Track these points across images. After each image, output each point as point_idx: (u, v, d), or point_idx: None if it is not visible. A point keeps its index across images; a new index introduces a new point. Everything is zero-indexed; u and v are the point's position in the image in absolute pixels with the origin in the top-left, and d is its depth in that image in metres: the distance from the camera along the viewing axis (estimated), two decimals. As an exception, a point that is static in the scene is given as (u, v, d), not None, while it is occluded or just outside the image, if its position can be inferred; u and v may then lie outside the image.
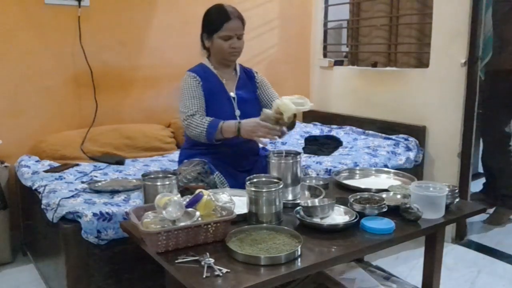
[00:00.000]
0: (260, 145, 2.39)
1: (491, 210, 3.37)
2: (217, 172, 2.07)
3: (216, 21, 2.17)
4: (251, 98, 2.32)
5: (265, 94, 2.36)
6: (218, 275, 1.29)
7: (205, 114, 2.16)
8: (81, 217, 1.84)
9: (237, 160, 2.18)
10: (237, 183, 2.05)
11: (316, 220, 1.63)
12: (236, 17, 2.17)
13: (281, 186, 1.65)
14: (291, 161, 1.85)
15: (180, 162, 2.27)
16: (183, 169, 2.03)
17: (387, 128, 3.21)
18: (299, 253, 1.40)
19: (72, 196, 2.03)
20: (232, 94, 2.25)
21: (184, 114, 2.12)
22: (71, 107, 2.94)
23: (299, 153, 1.90)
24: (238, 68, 2.33)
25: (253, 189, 1.62)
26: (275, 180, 1.71)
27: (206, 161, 2.09)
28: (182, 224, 1.43)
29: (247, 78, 2.36)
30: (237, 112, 2.22)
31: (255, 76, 2.38)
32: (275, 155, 1.89)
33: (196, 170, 2.03)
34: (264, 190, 1.61)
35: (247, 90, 2.32)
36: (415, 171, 2.92)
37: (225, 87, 2.25)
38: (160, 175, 1.81)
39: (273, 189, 1.61)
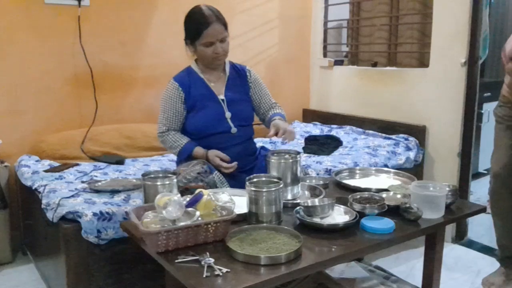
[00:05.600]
0: (258, 145, 2.40)
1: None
2: (216, 172, 2.07)
3: (195, 29, 2.10)
4: (243, 99, 2.27)
5: (257, 95, 2.31)
6: (218, 275, 1.29)
7: (183, 124, 2.21)
8: (81, 217, 1.84)
9: (235, 161, 2.17)
10: (237, 183, 2.05)
11: (316, 220, 1.63)
12: (215, 21, 2.08)
13: (281, 186, 1.65)
14: (290, 160, 1.85)
15: (178, 162, 2.27)
16: (182, 169, 2.03)
17: (387, 128, 3.21)
18: (299, 253, 1.40)
19: (72, 196, 2.03)
20: (221, 96, 2.21)
21: (158, 130, 2.22)
22: (71, 107, 2.94)
23: (298, 153, 1.90)
24: (227, 68, 2.27)
25: (253, 189, 1.62)
26: (275, 180, 1.71)
27: (205, 161, 2.09)
28: (182, 223, 1.44)
29: (238, 77, 2.29)
30: (228, 114, 2.19)
31: (248, 75, 2.31)
32: (275, 154, 1.89)
33: (196, 170, 2.02)
34: (264, 190, 1.61)
35: (238, 90, 2.26)
36: (415, 170, 2.92)
37: (213, 90, 2.21)
38: (160, 175, 1.82)
39: (273, 189, 1.61)
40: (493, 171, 2.37)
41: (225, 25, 2.13)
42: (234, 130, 2.19)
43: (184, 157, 2.15)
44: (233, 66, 2.31)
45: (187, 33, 2.16)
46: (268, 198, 1.61)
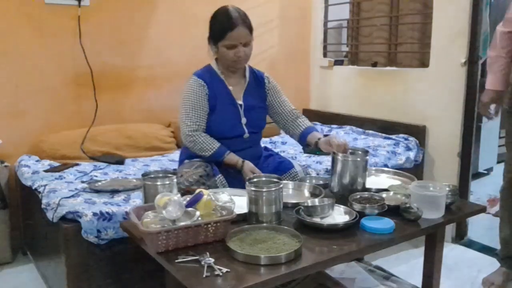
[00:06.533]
0: (262, 144, 2.38)
1: (491, 209, 3.37)
2: (219, 175, 2.06)
3: (219, 30, 2.06)
4: (259, 106, 2.24)
5: (276, 102, 2.26)
6: (218, 275, 1.29)
7: (206, 124, 2.13)
8: (81, 217, 1.84)
9: None
10: (240, 185, 2.03)
11: (316, 219, 1.63)
12: (241, 24, 2.04)
13: (281, 186, 1.65)
14: (358, 159, 1.86)
15: (181, 161, 2.26)
16: (185, 171, 2.01)
17: (387, 127, 3.21)
18: (299, 252, 1.40)
19: (72, 196, 2.03)
20: (239, 101, 2.17)
21: (187, 127, 2.10)
22: (71, 107, 2.94)
23: (367, 152, 1.91)
24: (247, 74, 2.23)
25: (253, 189, 1.62)
26: (275, 180, 1.71)
27: (208, 163, 2.07)
28: (182, 223, 1.44)
29: (256, 84, 2.25)
30: (243, 120, 2.16)
31: (266, 82, 2.27)
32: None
33: (198, 172, 2.01)
34: (264, 190, 1.61)
35: (256, 97, 2.23)
36: (415, 170, 2.92)
37: (232, 93, 2.17)
38: (160, 175, 1.81)
39: (273, 189, 1.61)
40: (508, 168, 2.33)
41: (250, 29, 2.09)
42: (246, 135, 2.17)
43: (214, 159, 2.10)
44: (252, 71, 2.27)
45: (211, 33, 2.12)
46: (268, 198, 1.61)
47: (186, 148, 2.27)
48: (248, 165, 2.07)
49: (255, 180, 1.71)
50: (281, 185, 1.65)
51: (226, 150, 2.10)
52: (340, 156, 1.87)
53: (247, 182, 1.66)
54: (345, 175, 1.87)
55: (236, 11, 2.07)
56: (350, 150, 1.91)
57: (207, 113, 2.14)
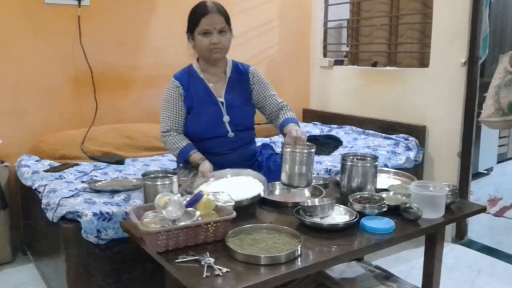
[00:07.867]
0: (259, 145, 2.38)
1: (491, 209, 3.37)
2: None
3: (194, 17, 2.05)
4: (243, 103, 2.17)
5: (261, 96, 2.20)
6: (218, 275, 1.29)
7: (183, 125, 2.12)
8: (81, 217, 1.84)
9: (232, 166, 2.10)
10: None
11: (316, 219, 1.63)
12: (215, 11, 2.03)
13: (312, 150, 1.83)
14: (368, 165, 1.86)
15: (178, 162, 2.25)
16: (182, 180, 1.99)
17: (387, 127, 3.21)
18: (299, 252, 1.40)
19: (72, 196, 2.03)
20: (220, 99, 2.12)
21: (160, 129, 2.13)
22: (71, 107, 2.94)
23: (376, 157, 1.91)
24: (229, 69, 2.17)
25: (288, 149, 1.81)
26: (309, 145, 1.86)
27: None
28: (182, 223, 1.44)
29: (240, 79, 2.18)
30: (226, 118, 2.11)
31: (250, 77, 2.20)
32: (351, 157, 1.90)
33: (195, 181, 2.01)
34: (297, 151, 1.81)
35: (239, 93, 2.16)
36: (415, 170, 2.92)
37: (213, 91, 2.13)
38: (160, 175, 1.82)
39: (305, 151, 1.80)
40: None
41: (226, 18, 2.07)
42: (231, 134, 2.12)
43: (182, 160, 2.09)
44: (236, 66, 2.21)
45: (188, 25, 2.10)
46: (300, 159, 1.80)
47: None
48: (204, 165, 1.98)
49: (289, 143, 1.85)
50: (313, 150, 1.84)
51: (191, 149, 2.06)
52: (348, 162, 1.87)
53: (284, 145, 1.84)
54: (354, 181, 1.86)
55: (212, 2, 2.07)
56: (301, 144, 1.88)
57: (183, 114, 2.13)
